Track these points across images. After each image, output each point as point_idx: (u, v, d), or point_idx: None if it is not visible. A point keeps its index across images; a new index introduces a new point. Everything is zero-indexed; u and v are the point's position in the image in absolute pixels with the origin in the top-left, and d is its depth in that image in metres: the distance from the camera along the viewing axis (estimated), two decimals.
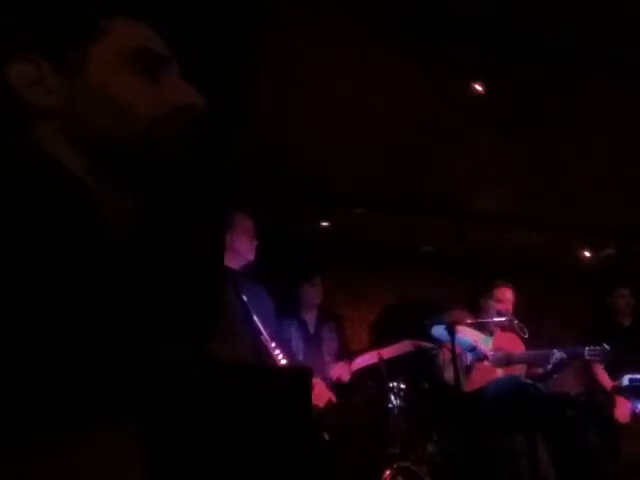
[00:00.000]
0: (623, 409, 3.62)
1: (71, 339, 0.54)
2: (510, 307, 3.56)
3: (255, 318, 2.50)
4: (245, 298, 2.51)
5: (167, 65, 0.75)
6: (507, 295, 3.59)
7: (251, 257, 2.67)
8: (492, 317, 3.50)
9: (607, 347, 3.14)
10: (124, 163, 0.71)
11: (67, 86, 0.70)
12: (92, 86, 0.70)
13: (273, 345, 2.55)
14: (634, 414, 3.61)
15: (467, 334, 3.37)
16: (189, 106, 0.74)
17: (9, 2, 0.70)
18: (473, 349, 3.33)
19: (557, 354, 3.18)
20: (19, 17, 0.70)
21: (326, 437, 2.59)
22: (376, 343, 4.01)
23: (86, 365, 0.54)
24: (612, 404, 3.63)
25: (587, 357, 3.19)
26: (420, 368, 3.53)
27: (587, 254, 4.50)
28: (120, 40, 0.72)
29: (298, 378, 1.47)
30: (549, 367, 3.21)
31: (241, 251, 2.63)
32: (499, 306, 3.54)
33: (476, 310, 3.63)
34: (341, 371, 3.40)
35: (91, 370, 0.55)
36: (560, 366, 3.20)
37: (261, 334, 2.50)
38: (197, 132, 0.74)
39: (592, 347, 3.17)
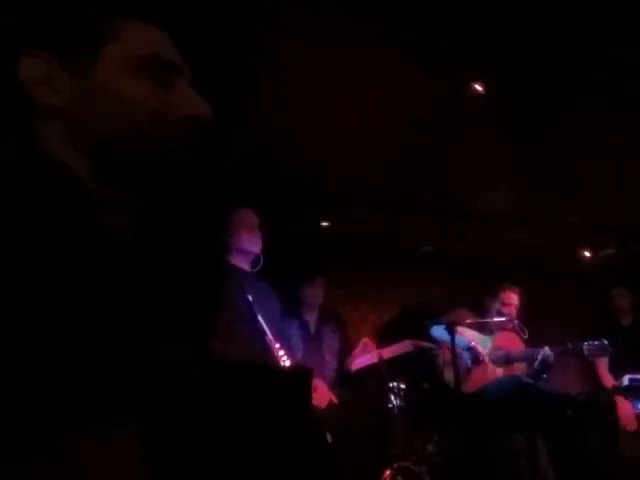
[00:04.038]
0: (626, 411, 3.58)
1: (71, 339, 0.54)
2: (514, 310, 3.55)
3: (260, 318, 2.49)
4: (250, 298, 2.50)
5: (178, 73, 0.75)
6: (513, 298, 3.58)
7: (256, 250, 2.62)
8: (492, 317, 3.51)
9: (606, 342, 3.14)
10: (125, 165, 0.71)
11: (74, 86, 0.70)
12: (97, 88, 0.70)
13: (277, 346, 2.54)
14: (636, 415, 3.59)
15: (465, 335, 3.37)
16: (195, 116, 0.73)
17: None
18: (469, 349, 3.33)
19: (542, 352, 3.17)
20: (34, 14, 0.70)
21: (329, 438, 2.58)
22: (376, 343, 4.00)
23: (86, 365, 0.54)
24: (614, 404, 3.62)
25: (586, 353, 3.18)
26: (420, 368, 3.52)
27: (587, 254, 4.50)
28: (131, 45, 0.72)
29: (298, 378, 1.47)
30: (536, 365, 3.21)
31: (247, 247, 2.61)
32: (504, 309, 3.54)
33: (480, 311, 3.62)
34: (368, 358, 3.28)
35: (91, 370, 0.55)
36: (548, 364, 3.19)
37: (265, 334, 2.49)
38: (199, 138, 0.74)
39: (590, 342, 3.16)
